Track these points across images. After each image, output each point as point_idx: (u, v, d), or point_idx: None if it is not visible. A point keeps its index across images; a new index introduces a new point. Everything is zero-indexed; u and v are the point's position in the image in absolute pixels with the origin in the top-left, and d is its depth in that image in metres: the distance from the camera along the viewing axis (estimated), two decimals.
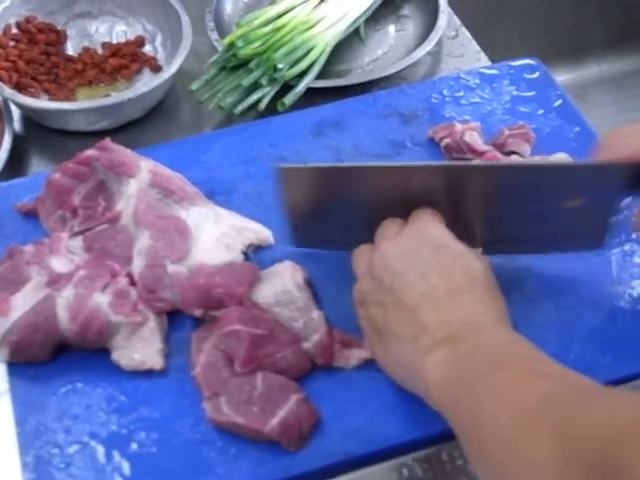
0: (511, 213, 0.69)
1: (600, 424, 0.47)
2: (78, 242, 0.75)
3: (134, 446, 0.66)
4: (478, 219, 0.70)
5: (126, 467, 0.65)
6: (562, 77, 1.41)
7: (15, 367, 0.70)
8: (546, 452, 0.48)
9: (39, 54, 0.98)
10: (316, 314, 0.69)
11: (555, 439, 0.48)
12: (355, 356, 0.69)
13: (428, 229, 0.66)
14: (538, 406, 0.51)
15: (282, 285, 0.70)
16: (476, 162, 0.75)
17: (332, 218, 0.72)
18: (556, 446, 0.48)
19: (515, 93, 0.89)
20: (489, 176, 0.68)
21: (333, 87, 0.96)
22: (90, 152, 0.77)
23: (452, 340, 0.59)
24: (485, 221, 0.70)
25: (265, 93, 0.93)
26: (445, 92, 0.89)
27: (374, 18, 1.06)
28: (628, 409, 0.48)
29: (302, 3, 0.99)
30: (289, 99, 0.92)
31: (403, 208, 0.68)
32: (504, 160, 0.80)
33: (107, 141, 0.78)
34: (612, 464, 0.45)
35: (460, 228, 0.68)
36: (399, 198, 0.68)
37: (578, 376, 0.54)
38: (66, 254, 0.73)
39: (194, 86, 0.94)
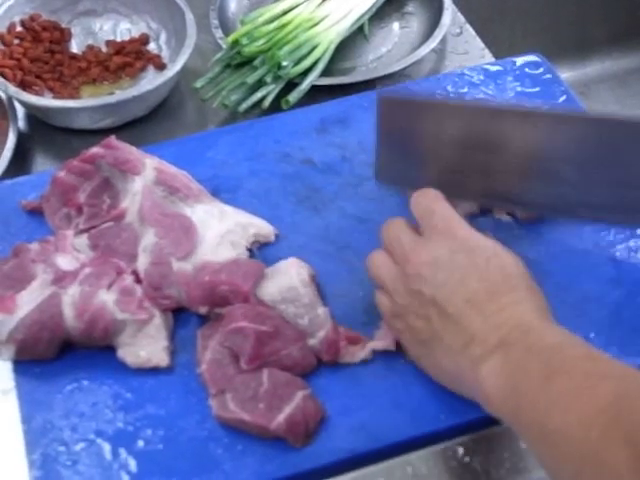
0: (607, 175, 0.67)
1: None
2: (83, 240, 0.75)
3: (140, 443, 0.66)
4: (569, 179, 0.68)
5: (132, 464, 0.65)
6: (565, 74, 1.41)
7: (21, 365, 0.70)
8: (627, 462, 0.48)
9: (43, 52, 0.98)
10: (321, 310, 0.69)
11: (632, 446, 0.48)
12: (361, 352, 0.69)
13: (456, 232, 0.65)
14: (608, 413, 0.50)
15: (288, 282, 0.70)
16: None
17: (423, 155, 0.71)
18: (635, 453, 0.47)
19: (519, 89, 0.89)
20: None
21: (337, 85, 0.96)
22: (95, 150, 0.77)
23: (503, 346, 0.59)
24: (578, 182, 0.68)
25: (269, 91, 0.93)
26: (449, 88, 0.89)
27: (378, 15, 1.06)
28: None
29: (306, 0, 0.99)
30: (293, 97, 0.92)
31: (493, 154, 0.68)
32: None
33: (112, 139, 0.78)
34: None
35: (543, 187, 0.67)
36: (492, 143, 0.67)
37: (638, 373, 0.54)
38: (72, 252, 0.73)
39: (198, 84, 0.94)
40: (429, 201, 0.68)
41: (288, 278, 0.70)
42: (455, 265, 0.63)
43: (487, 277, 0.62)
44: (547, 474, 0.56)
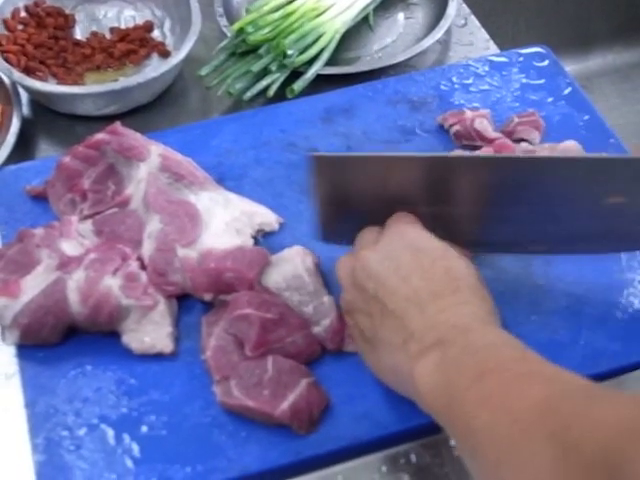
0: (543, 211, 0.67)
1: (599, 427, 0.46)
2: (88, 225, 0.75)
3: (144, 429, 0.66)
4: (512, 218, 0.68)
5: (136, 449, 0.65)
6: (567, 68, 1.39)
7: (25, 350, 0.70)
8: (548, 459, 0.47)
9: (47, 38, 0.98)
10: (326, 299, 0.69)
11: (555, 445, 0.47)
12: None
13: (406, 232, 0.65)
14: (533, 412, 0.50)
15: (293, 270, 0.70)
16: (506, 154, 0.72)
17: (362, 212, 0.69)
18: (557, 452, 0.47)
19: (524, 81, 0.89)
20: (520, 169, 0.65)
21: (342, 74, 0.95)
22: (100, 136, 0.77)
23: (440, 344, 0.58)
24: (516, 220, 0.68)
25: (274, 79, 0.92)
26: (454, 79, 0.89)
27: (383, 6, 1.06)
28: (626, 409, 0.47)
29: None
30: (298, 85, 0.92)
31: (428, 204, 0.67)
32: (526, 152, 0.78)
33: (117, 125, 0.78)
34: (614, 465, 0.44)
35: (487, 227, 0.67)
36: (425, 191, 0.67)
37: (571, 376, 0.53)
38: (76, 237, 0.73)
39: (203, 71, 0.93)
40: (397, 215, 0.68)
41: (293, 266, 0.70)
42: (400, 263, 0.62)
43: (431, 277, 0.62)
44: (470, 470, 0.55)
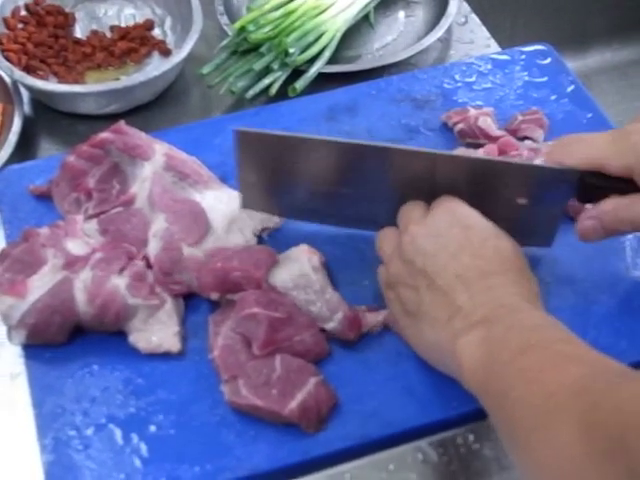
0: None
1: (622, 409, 0.47)
2: (93, 225, 0.74)
3: (152, 428, 0.66)
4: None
5: (144, 449, 0.65)
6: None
7: (31, 349, 0.70)
8: (575, 436, 0.48)
9: (48, 37, 0.98)
10: (331, 295, 0.70)
11: (583, 424, 0.48)
12: (374, 320, 0.70)
13: (456, 209, 0.66)
14: (568, 390, 0.51)
15: (299, 269, 0.70)
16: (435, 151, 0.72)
17: (283, 187, 0.73)
18: (582, 432, 0.48)
19: (527, 79, 0.89)
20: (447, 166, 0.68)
21: (343, 73, 0.95)
22: (105, 135, 0.77)
23: (486, 322, 0.59)
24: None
25: (276, 78, 0.92)
26: (457, 77, 0.89)
27: (384, 4, 1.06)
28: None
29: None
30: (300, 84, 0.92)
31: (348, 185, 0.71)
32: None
33: (121, 124, 0.78)
34: (632, 448, 0.45)
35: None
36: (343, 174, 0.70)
37: (611, 362, 0.54)
38: (82, 237, 0.73)
39: (205, 70, 0.93)
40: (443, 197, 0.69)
41: (299, 265, 0.70)
42: (450, 239, 0.63)
43: (481, 255, 0.63)
44: (504, 446, 0.57)
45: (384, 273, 0.68)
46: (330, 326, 0.68)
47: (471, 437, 0.66)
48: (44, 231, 0.73)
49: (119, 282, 0.69)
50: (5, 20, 0.97)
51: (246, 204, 0.75)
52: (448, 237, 0.64)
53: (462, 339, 0.59)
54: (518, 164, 0.70)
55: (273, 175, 0.73)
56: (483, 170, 0.68)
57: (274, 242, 0.76)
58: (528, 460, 0.52)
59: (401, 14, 1.06)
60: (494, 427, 0.58)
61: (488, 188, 0.68)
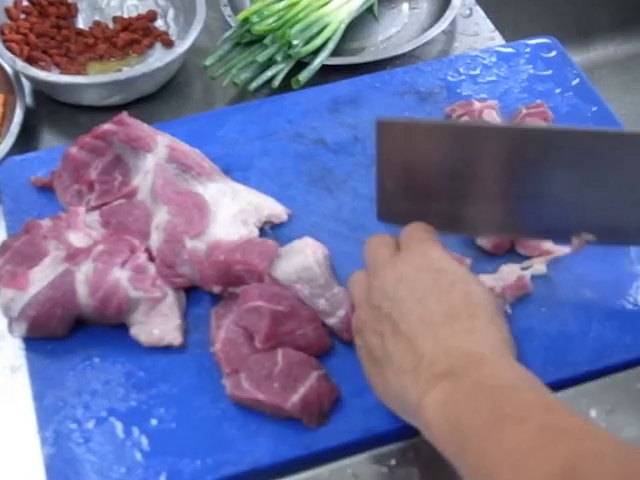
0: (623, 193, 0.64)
1: None
2: (95, 217, 0.74)
3: (153, 422, 0.65)
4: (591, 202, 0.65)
5: (145, 443, 0.65)
6: None
7: (32, 342, 0.70)
8: None
9: (50, 27, 0.97)
10: (338, 290, 0.69)
11: None
12: None
13: (427, 251, 0.63)
14: (562, 478, 0.47)
15: (303, 261, 0.70)
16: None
17: (426, 187, 0.66)
18: None
19: (532, 72, 0.88)
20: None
21: (346, 65, 0.95)
22: (107, 126, 0.76)
23: (451, 376, 0.55)
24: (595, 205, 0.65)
25: (279, 70, 0.92)
26: (461, 70, 0.89)
27: None
28: None
29: None
30: (304, 76, 0.91)
31: (494, 181, 0.64)
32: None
33: (124, 115, 0.78)
34: None
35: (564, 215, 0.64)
36: (495, 167, 0.64)
37: (600, 433, 0.50)
38: (84, 229, 0.73)
39: (208, 62, 0.93)
40: (413, 228, 0.67)
41: (303, 257, 0.70)
42: (418, 283, 0.60)
43: (447, 300, 0.59)
44: None
45: (354, 318, 0.65)
46: (331, 322, 0.68)
47: None
48: (46, 223, 0.73)
49: (121, 275, 0.69)
50: (7, 10, 0.97)
51: (384, 215, 0.70)
52: (416, 281, 0.61)
53: (427, 394, 0.55)
54: None
55: (417, 174, 0.66)
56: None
57: (277, 235, 0.76)
58: None
59: (405, 6, 1.06)
60: None
61: None
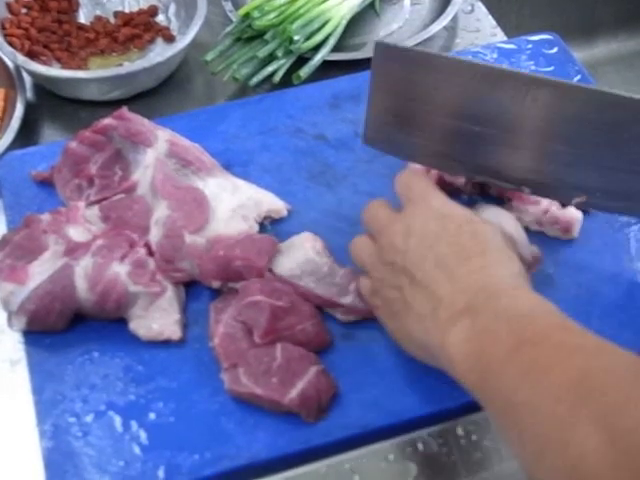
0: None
1: None
2: (95, 211, 0.74)
3: (152, 416, 0.66)
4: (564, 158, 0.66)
5: (144, 436, 0.65)
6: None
7: (31, 336, 0.70)
8: (594, 444, 0.46)
9: (51, 22, 0.97)
10: (344, 271, 0.70)
11: (602, 430, 0.46)
12: None
13: (430, 200, 0.65)
14: (577, 390, 0.49)
15: (304, 255, 0.70)
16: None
17: (416, 119, 0.68)
18: (605, 438, 0.46)
19: (533, 68, 0.88)
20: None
21: (348, 60, 0.95)
22: (107, 121, 0.76)
23: (471, 310, 0.57)
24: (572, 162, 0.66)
25: (280, 65, 0.92)
26: None
27: None
28: None
29: None
30: (304, 72, 0.91)
31: (481, 123, 0.65)
32: None
33: (124, 110, 0.78)
34: None
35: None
36: (497, 114, 0.65)
37: (614, 349, 0.52)
38: (83, 223, 0.73)
39: (209, 57, 0.93)
40: (408, 177, 0.68)
41: (304, 251, 0.70)
42: (426, 232, 0.62)
43: (457, 242, 0.61)
44: (511, 449, 0.54)
45: (366, 282, 0.67)
46: (347, 301, 0.68)
47: (471, 428, 0.66)
48: (45, 217, 0.73)
49: (120, 269, 0.69)
50: (9, 5, 0.97)
51: (370, 139, 0.71)
52: (424, 229, 0.63)
53: (449, 332, 0.58)
54: None
55: (408, 103, 0.67)
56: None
57: (277, 231, 0.76)
58: (542, 468, 0.50)
59: (407, 2, 1.06)
60: (496, 428, 0.56)
61: None
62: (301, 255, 0.70)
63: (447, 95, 0.66)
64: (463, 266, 0.60)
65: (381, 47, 0.66)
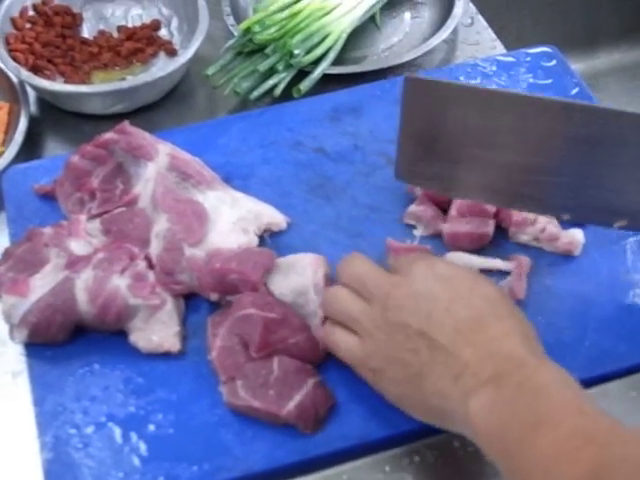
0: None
1: None
2: (96, 225, 0.75)
3: (151, 427, 0.66)
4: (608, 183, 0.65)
5: (143, 448, 0.65)
6: (574, 66, 1.38)
7: (32, 348, 0.71)
8: None
9: (55, 37, 0.98)
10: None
11: None
12: None
13: (433, 264, 0.64)
14: None
15: (302, 283, 0.70)
16: None
17: (451, 152, 0.67)
18: None
19: (532, 81, 0.89)
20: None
21: (348, 74, 0.96)
22: (109, 135, 0.77)
23: (496, 379, 0.57)
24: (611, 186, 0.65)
25: (281, 79, 0.93)
26: (462, 79, 0.89)
27: (390, 5, 1.06)
28: None
29: None
30: (305, 85, 0.92)
31: (516, 152, 0.64)
32: None
33: (125, 124, 0.78)
34: None
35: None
36: (528, 140, 0.64)
37: (627, 436, 0.52)
38: (85, 236, 0.74)
39: (210, 71, 0.94)
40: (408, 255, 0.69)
41: (303, 279, 0.70)
42: (436, 294, 0.61)
43: (471, 306, 0.61)
44: None
45: (356, 342, 0.65)
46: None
47: (468, 440, 0.66)
48: (47, 231, 0.74)
49: (120, 282, 0.69)
50: (13, 20, 0.98)
51: (402, 174, 0.70)
52: (433, 292, 0.62)
53: (472, 400, 0.57)
54: None
55: (440, 136, 0.66)
56: None
57: (277, 243, 0.76)
58: None
59: (407, 15, 1.07)
60: None
61: None
62: (299, 282, 0.70)
63: (480, 126, 0.65)
64: (483, 332, 0.59)
65: (411, 81, 0.66)
